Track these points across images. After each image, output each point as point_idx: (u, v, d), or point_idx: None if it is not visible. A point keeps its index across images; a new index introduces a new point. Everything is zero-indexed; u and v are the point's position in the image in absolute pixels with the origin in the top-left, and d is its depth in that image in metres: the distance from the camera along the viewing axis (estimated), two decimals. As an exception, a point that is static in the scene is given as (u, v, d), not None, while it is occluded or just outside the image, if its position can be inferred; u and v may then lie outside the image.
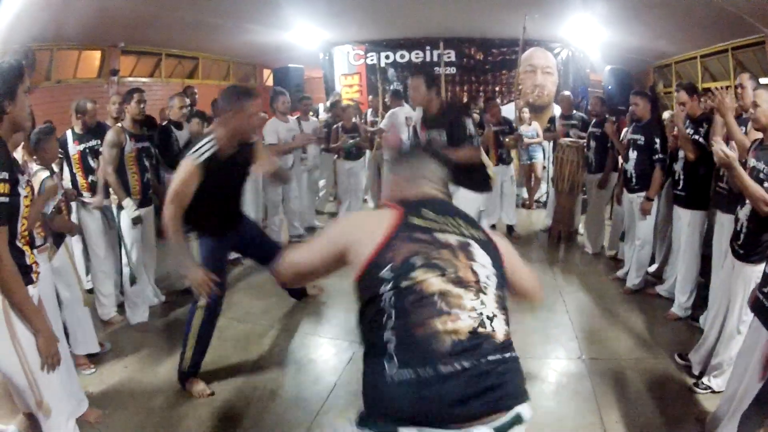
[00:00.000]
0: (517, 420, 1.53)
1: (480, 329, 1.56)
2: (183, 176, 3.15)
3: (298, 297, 5.06)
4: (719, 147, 2.97)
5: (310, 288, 5.19)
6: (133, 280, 4.49)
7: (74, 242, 4.44)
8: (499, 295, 1.69)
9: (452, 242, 1.69)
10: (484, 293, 1.63)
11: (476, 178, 4.48)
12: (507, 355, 1.61)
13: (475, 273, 1.65)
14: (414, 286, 1.58)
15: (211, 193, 3.24)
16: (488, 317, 1.60)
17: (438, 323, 1.53)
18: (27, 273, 2.31)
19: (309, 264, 1.89)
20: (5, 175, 2.07)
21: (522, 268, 1.96)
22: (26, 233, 2.35)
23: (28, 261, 2.35)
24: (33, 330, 2.24)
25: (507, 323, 1.68)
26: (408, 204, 1.81)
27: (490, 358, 1.54)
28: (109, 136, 4.34)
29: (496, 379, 1.53)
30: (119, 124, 4.48)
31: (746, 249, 3.17)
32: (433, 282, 1.58)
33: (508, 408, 1.53)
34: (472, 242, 1.73)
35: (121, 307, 4.72)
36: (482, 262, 1.70)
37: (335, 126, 7.73)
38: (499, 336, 1.60)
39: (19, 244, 2.29)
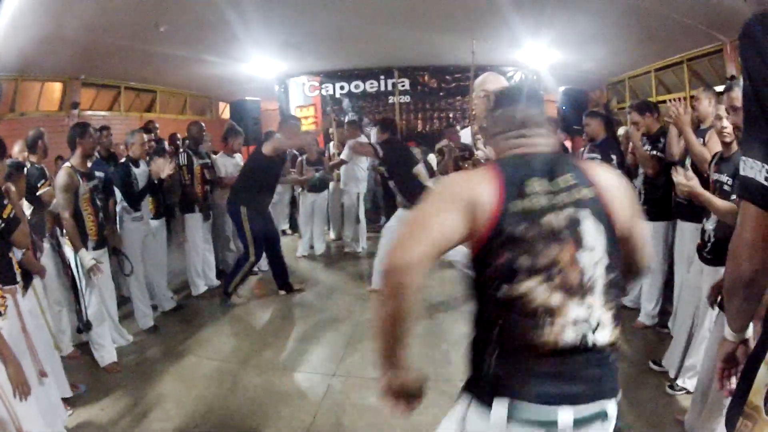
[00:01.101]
0: (602, 415, 1.55)
1: (583, 342, 1.51)
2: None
3: (287, 290, 6.12)
4: (678, 180, 3.13)
5: (297, 283, 5.88)
6: (88, 326, 4.34)
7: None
8: (609, 283, 1.56)
9: (561, 225, 1.53)
10: (591, 294, 1.53)
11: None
12: (608, 356, 1.59)
13: (581, 272, 1.52)
14: (518, 297, 1.49)
15: (264, 180, 5.82)
16: (593, 328, 1.52)
17: (540, 338, 1.48)
18: None
19: (432, 241, 1.50)
20: None
21: (637, 223, 1.71)
22: None
23: None
24: (2, 360, 2.28)
25: (615, 319, 1.58)
26: (510, 171, 1.60)
27: (590, 364, 1.55)
28: (61, 179, 4.13)
29: (591, 371, 1.54)
30: (68, 164, 4.25)
31: (714, 255, 3.28)
32: (538, 293, 1.48)
33: (595, 399, 1.54)
34: (582, 213, 1.56)
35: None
36: (591, 243, 1.55)
37: (299, 159, 7.77)
38: (602, 343, 1.55)
39: None
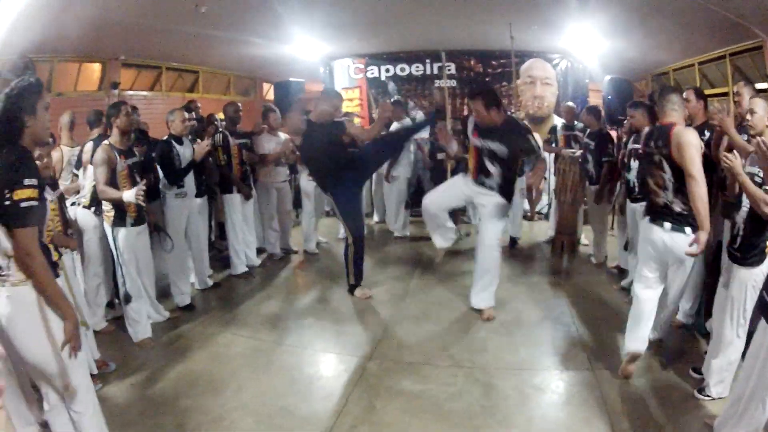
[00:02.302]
0: None
1: None
2: None
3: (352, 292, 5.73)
4: (727, 157, 3.11)
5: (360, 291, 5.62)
6: (128, 299, 4.43)
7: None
8: None
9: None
10: None
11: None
12: None
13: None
14: None
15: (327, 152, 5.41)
16: None
17: None
18: (53, 268, 2.64)
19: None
20: (34, 181, 2.40)
21: None
22: (50, 233, 2.77)
23: (53, 258, 2.75)
24: (63, 316, 2.51)
25: None
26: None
27: None
28: (98, 154, 4.20)
29: None
30: (106, 141, 4.32)
31: (742, 252, 3.23)
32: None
33: None
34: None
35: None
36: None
37: None
38: None
39: (46, 242, 2.65)
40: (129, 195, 4.13)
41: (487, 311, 5.04)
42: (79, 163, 4.86)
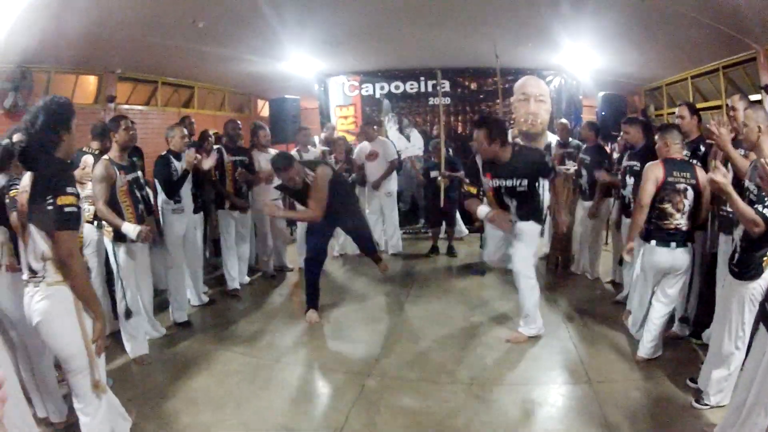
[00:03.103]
0: None
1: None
2: None
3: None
4: (716, 175, 3.13)
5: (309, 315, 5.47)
6: (128, 314, 4.42)
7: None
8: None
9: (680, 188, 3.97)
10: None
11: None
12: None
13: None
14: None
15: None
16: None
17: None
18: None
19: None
20: (75, 190, 2.67)
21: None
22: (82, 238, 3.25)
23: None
24: (94, 316, 2.79)
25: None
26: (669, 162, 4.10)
27: None
28: (98, 170, 4.20)
29: None
30: (106, 156, 4.33)
31: (740, 267, 3.27)
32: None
33: None
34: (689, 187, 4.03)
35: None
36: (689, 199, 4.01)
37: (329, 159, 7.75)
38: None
39: None
40: (130, 230, 4.18)
41: (514, 334, 4.96)
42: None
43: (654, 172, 4.14)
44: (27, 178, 2.76)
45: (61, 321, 2.71)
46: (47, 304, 2.69)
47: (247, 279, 6.71)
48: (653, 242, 4.23)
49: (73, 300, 2.71)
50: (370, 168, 7.88)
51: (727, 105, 4.67)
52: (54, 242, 2.61)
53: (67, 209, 2.58)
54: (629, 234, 4.45)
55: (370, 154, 7.86)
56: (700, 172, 4.12)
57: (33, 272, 2.72)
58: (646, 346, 4.35)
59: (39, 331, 2.75)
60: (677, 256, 4.17)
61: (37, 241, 2.66)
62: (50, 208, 2.56)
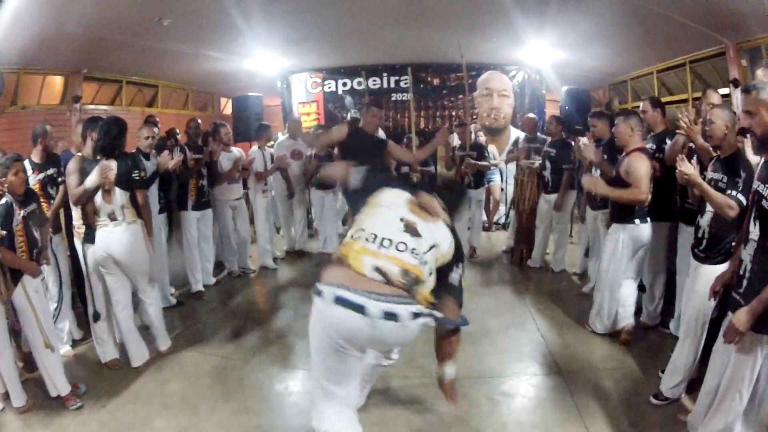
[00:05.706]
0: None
1: None
2: None
3: None
4: (684, 167, 3.24)
5: None
6: (96, 317, 4.37)
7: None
8: None
9: None
10: None
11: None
12: None
13: None
14: None
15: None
16: None
17: None
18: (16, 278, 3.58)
19: None
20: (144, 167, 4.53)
21: None
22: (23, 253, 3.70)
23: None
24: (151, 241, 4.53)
25: None
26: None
27: None
28: (71, 165, 4.21)
29: None
30: (80, 154, 4.36)
31: (707, 252, 3.40)
32: None
33: None
34: None
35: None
36: None
37: (309, 154, 7.71)
38: None
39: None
40: (92, 178, 4.13)
41: None
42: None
43: (649, 165, 4.27)
44: (111, 163, 4.14)
45: (138, 246, 4.31)
46: (130, 235, 4.25)
47: (213, 280, 6.65)
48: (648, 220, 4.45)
49: (143, 232, 4.34)
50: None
51: (698, 99, 4.77)
52: (140, 196, 4.33)
53: (145, 178, 4.48)
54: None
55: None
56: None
57: (113, 218, 4.19)
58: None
59: (123, 252, 4.20)
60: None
61: (119, 197, 4.18)
62: (136, 177, 4.29)
